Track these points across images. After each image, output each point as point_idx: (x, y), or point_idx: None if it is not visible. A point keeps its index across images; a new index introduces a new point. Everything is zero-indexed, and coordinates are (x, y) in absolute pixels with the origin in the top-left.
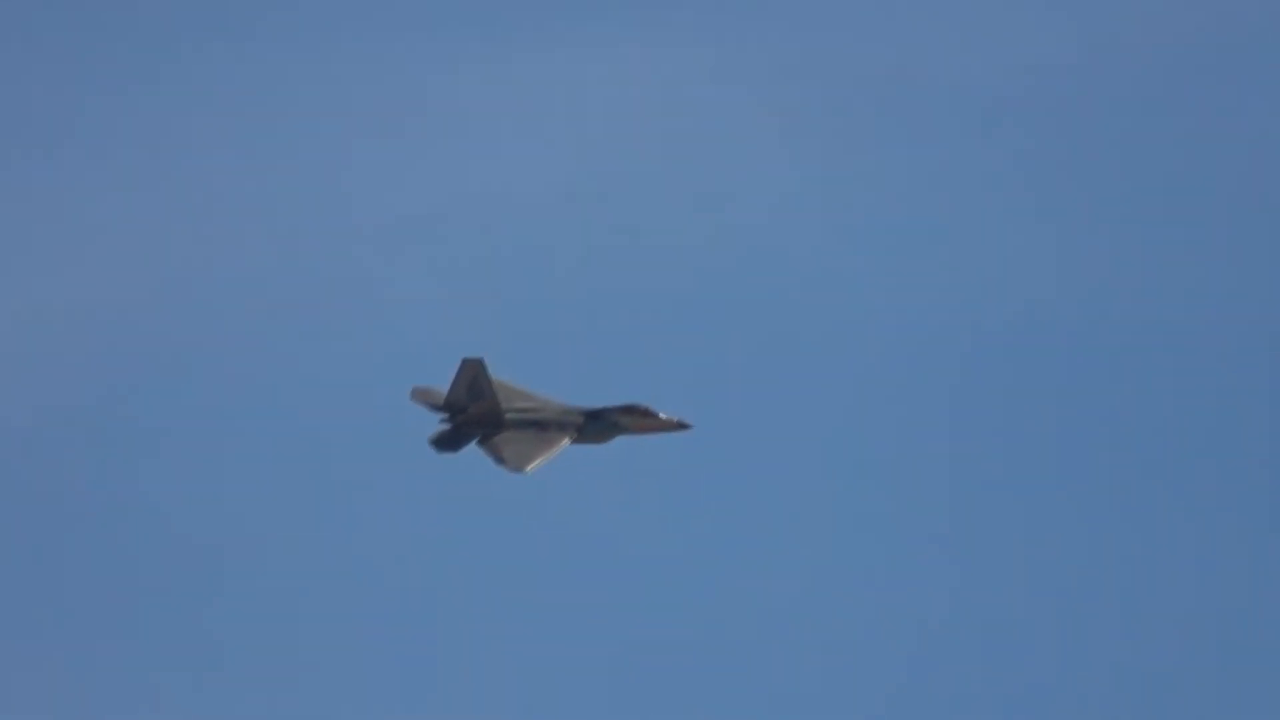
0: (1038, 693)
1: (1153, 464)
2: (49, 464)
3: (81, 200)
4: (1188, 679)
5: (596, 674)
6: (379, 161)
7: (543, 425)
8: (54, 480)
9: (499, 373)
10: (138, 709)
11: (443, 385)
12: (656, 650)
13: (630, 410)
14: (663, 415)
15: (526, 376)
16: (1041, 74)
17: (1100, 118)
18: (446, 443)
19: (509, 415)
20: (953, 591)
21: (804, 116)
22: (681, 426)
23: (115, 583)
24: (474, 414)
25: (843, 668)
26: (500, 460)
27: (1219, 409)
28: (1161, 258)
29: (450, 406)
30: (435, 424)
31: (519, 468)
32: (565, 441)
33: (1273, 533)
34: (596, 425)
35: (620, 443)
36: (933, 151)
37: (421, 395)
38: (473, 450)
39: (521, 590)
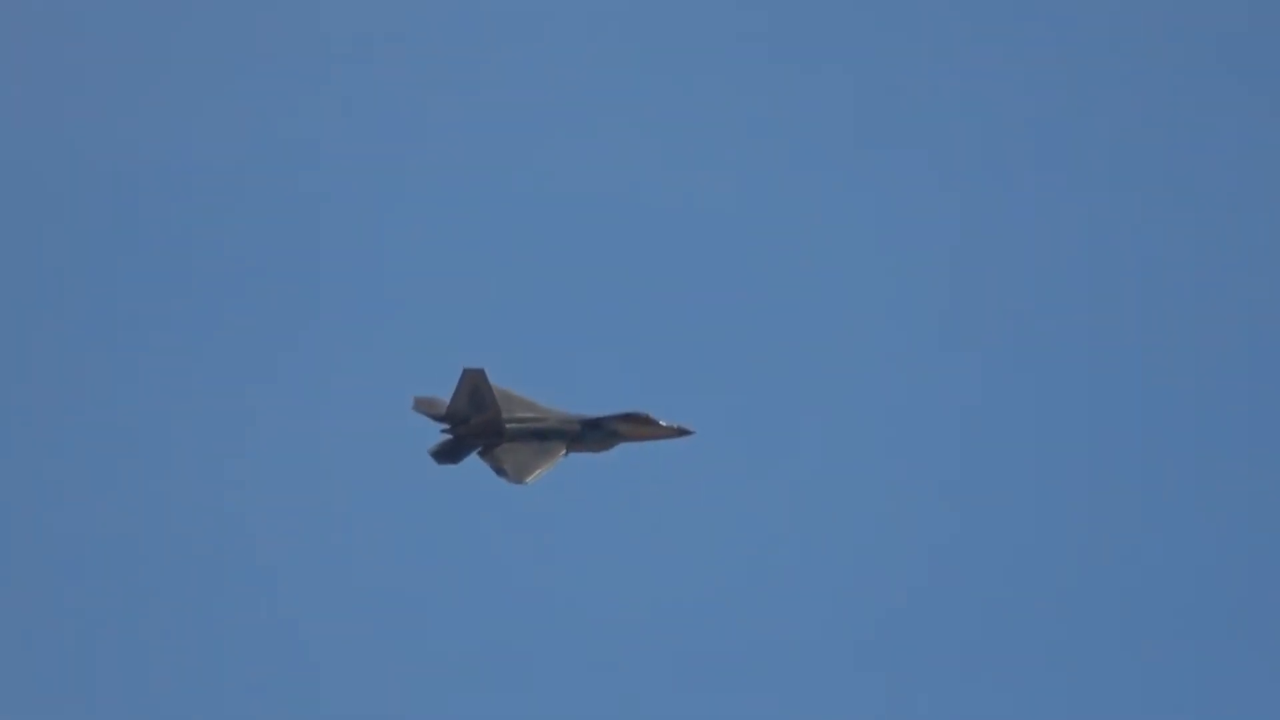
0: (1036, 693)
1: (1150, 465)
2: None
3: None
4: (1184, 678)
5: (599, 681)
6: (378, 166)
7: (543, 435)
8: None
9: (498, 380)
10: None
11: (444, 395)
12: (659, 658)
13: (630, 418)
14: (663, 423)
15: (526, 384)
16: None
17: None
18: (447, 454)
19: (510, 425)
20: (952, 592)
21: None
22: (682, 433)
23: (113, 590)
24: (476, 425)
25: (842, 670)
26: (501, 472)
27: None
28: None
29: (452, 417)
30: (437, 434)
31: (519, 479)
32: (563, 451)
33: (1271, 530)
34: (596, 434)
35: (620, 451)
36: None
37: (423, 405)
38: (473, 461)
39: (523, 601)
